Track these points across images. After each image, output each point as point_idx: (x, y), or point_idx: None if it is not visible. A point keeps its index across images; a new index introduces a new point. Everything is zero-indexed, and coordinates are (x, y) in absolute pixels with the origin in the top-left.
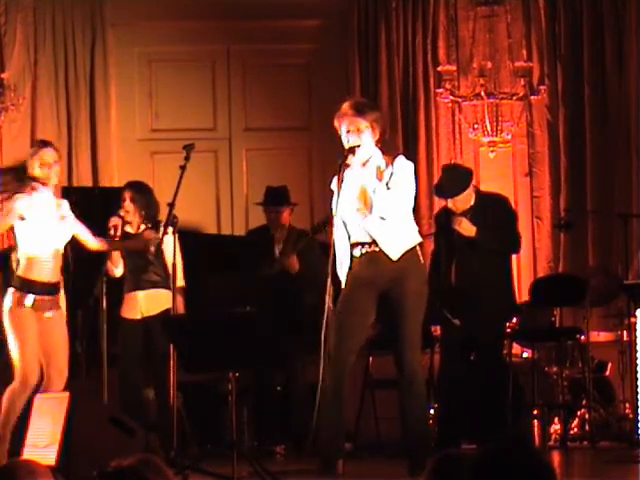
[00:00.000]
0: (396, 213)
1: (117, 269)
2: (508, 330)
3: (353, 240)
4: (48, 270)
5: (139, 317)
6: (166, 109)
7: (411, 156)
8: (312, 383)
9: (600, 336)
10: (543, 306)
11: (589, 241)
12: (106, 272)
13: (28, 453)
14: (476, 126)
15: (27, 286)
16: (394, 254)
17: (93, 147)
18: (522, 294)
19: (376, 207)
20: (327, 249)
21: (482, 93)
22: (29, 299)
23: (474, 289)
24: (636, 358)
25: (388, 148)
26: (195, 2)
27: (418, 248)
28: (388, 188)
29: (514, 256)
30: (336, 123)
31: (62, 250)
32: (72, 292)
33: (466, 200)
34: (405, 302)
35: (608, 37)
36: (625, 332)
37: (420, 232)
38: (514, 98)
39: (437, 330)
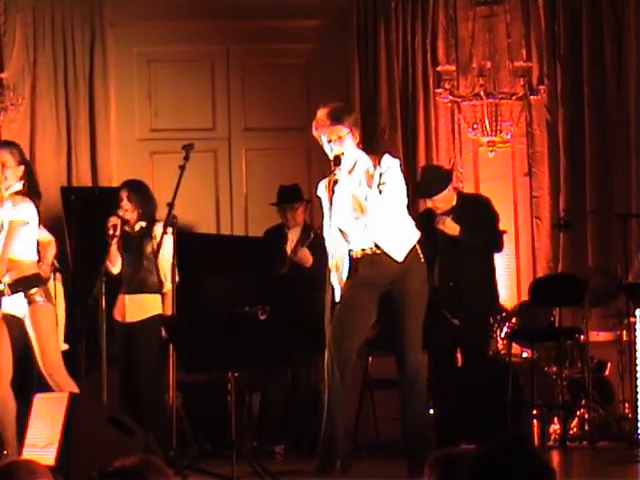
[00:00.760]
0: (392, 215)
1: (115, 267)
2: (507, 330)
3: (353, 247)
4: None
5: (120, 320)
6: (165, 109)
7: (410, 156)
8: (317, 383)
9: (599, 336)
10: (542, 306)
11: (588, 241)
12: (105, 270)
13: (28, 453)
14: (475, 126)
15: None
16: (399, 256)
17: (92, 147)
18: (521, 294)
19: (371, 213)
20: None
21: (481, 93)
22: None
23: (458, 289)
24: (635, 358)
25: (388, 148)
26: (194, 2)
27: (418, 246)
28: (380, 191)
29: (514, 256)
30: (315, 133)
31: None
32: (72, 292)
33: (447, 201)
34: (407, 301)
35: (607, 37)
36: (624, 332)
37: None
38: (513, 98)
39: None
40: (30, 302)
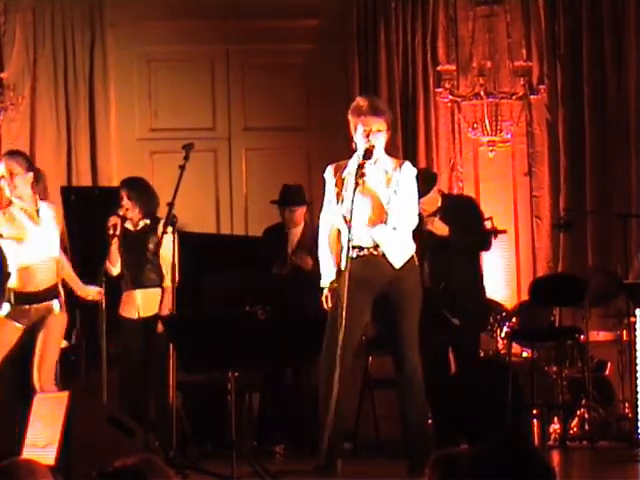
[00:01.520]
0: (406, 224)
1: (115, 267)
2: (507, 330)
3: (354, 243)
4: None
5: (136, 317)
6: (165, 109)
7: (411, 155)
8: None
9: (599, 336)
10: (542, 306)
11: (588, 241)
12: (105, 271)
13: (28, 453)
14: (475, 126)
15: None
16: (397, 263)
17: (92, 147)
18: (522, 294)
19: (391, 217)
20: None
21: (481, 93)
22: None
23: (451, 289)
24: (635, 358)
25: (388, 148)
26: (194, 2)
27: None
28: (395, 194)
29: (514, 256)
30: (351, 119)
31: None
32: (72, 292)
33: (432, 202)
34: (403, 302)
35: (607, 37)
36: (624, 332)
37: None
38: (513, 98)
39: None
40: (49, 310)
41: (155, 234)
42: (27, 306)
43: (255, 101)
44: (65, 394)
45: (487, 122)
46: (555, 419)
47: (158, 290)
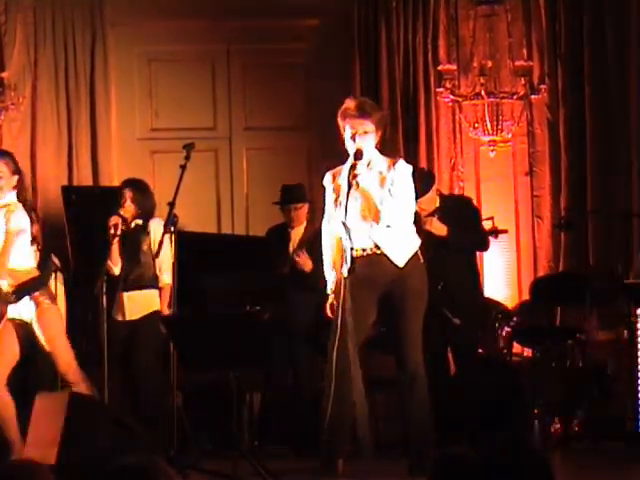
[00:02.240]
0: (401, 221)
1: (116, 267)
2: (508, 329)
3: (355, 245)
4: None
5: (120, 319)
6: (166, 108)
7: (411, 155)
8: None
9: (600, 335)
10: (543, 305)
11: (589, 241)
12: (106, 270)
13: (28, 453)
14: (476, 125)
15: None
16: (400, 262)
17: (93, 146)
18: (522, 293)
19: (384, 216)
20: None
21: (482, 92)
22: None
23: (450, 289)
24: (636, 357)
25: (388, 147)
26: (195, 2)
27: (418, 250)
28: (390, 194)
29: (515, 255)
30: (340, 121)
31: None
32: (72, 292)
33: (430, 202)
34: (407, 301)
35: (609, 36)
36: (625, 331)
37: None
38: (514, 97)
39: None
40: (37, 305)
41: (147, 233)
42: None
43: (256, 101)
44: (65, 394)
45: (488, 122)
46: (556, 419)
47: (146, 292)
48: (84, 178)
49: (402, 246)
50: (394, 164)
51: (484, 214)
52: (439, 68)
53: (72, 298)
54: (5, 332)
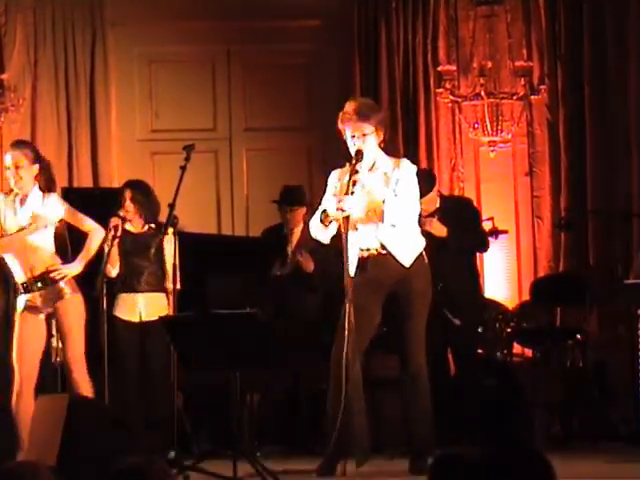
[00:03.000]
0: (406, 220)
1: (114, 269)
2: (508, 330)
3: (361, 245)
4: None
5: (137, 320)
6: (166, 109)
7: (411, 156)
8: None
9: (600, 335)
10: (543, 306)
11: (589, 241)
12: (105, 272)
13: (28, 454)
14: (476, 126)
15: None
16: (407, 262)
17: (93, 148)
18: (523, 294)
19: (387, 216)
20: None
21: (482, 93)
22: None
23: (450, 290)
24: (636, 357)
25: (388, 148)
26: (195, 2)
27: (423, 251)
28: (395, 194)
29: (515, 256)
30: (340, 125)
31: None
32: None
33: (431, 203)
34: (412, 301)
35: (608, 37)
36: (625, 331)
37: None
38: (514, 98)
39: None
40: (60, 296)
41: (158, 238)
42: (32, 294)
43: (256, 101)
44: (65, 394)
45: (488, 122)
46: (556, 419)
47: (159, 294)
48: (84, 179)
49: (408, 246)
50: (399, 164)
51: (484, 215)
52: (439, 69)
53: None
54: (24, 326)
